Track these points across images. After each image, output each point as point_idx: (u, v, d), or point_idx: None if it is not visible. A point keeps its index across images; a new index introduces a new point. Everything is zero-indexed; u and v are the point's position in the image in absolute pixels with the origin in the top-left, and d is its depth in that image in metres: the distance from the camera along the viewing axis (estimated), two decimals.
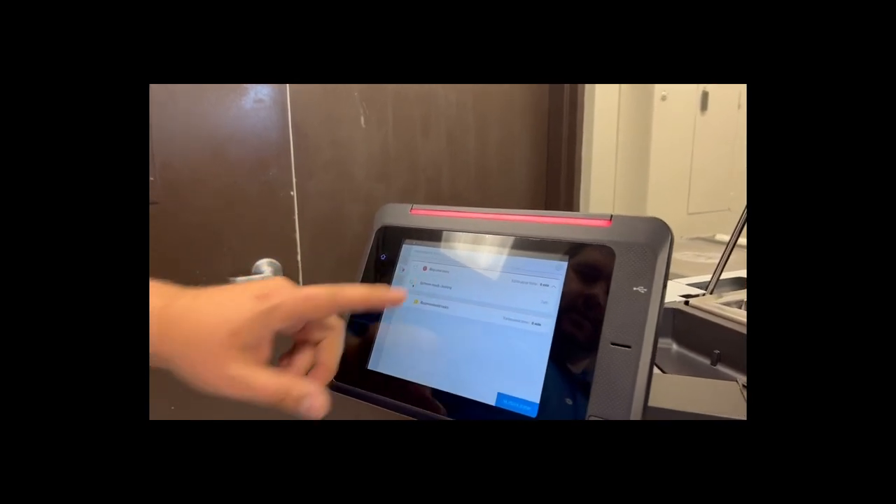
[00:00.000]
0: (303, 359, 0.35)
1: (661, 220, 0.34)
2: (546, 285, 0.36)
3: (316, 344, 0.36)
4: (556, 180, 1.40)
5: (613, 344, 0.32)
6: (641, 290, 0.33)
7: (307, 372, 0.35)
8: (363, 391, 0.40)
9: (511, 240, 0.38)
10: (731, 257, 0.70)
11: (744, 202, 1.59)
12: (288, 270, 1.16)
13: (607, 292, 0.33)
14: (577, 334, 0.34)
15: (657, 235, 0.33)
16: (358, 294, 0.35)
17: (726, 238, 1.48)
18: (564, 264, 0.35)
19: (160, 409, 1.04)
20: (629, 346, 0.32)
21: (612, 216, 0.35)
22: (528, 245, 0.37)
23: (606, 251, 0.34)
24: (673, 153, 1.45)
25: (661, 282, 0.32)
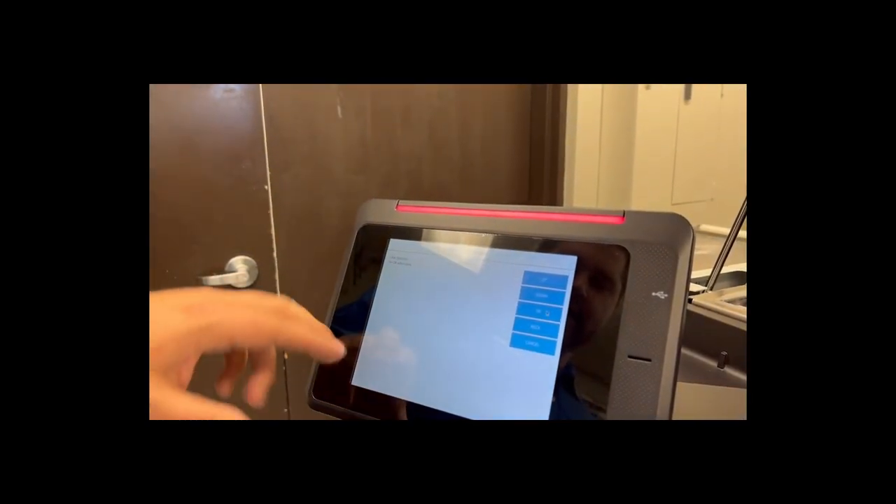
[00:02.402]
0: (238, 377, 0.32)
1: (680, 216, 0.30)
2: (551, 290, 0.32)
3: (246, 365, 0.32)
4: (539, 167, 1.37)
5: (631, 357, 0.29)
6: (661, 295, 0.29)
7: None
8: (345, 409, 0.36)
9: (511, 240, 0.34)
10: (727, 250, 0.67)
11: (727, 192, 1.57)
12: (263, 268, 1.10)
13: (622, 298, 0.30)
14: (589, 346, 0.30)
15: (677, 233, 0.30)
16: (300, 336, 0.31)
17: (712, 228, 1.46)
18: (572, 267, 0.31)
19: None
20: (649, 360, 0.28)
21: (624, 212, 0.31)
22: (530, 245, 0.33)
23: (620, 252, 0.30)
24: (657, 143, 1.42)
25: (684, 286, 0.29)
